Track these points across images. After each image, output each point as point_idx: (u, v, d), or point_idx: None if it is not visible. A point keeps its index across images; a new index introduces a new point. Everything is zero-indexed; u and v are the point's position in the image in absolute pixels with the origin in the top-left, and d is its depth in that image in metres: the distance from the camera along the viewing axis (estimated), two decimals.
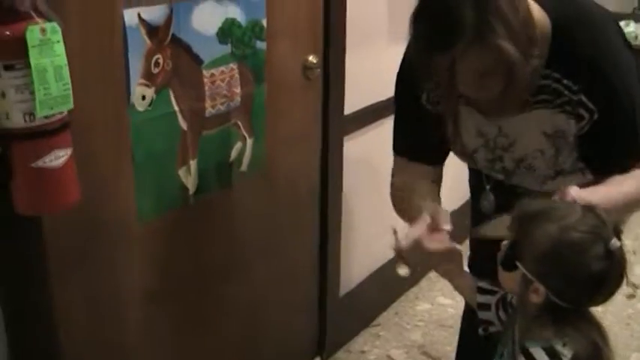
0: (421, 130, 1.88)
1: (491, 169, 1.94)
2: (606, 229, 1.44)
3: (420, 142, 1.93)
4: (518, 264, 1.50)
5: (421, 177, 1.95)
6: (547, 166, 1.83)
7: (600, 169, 1.75)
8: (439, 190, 2.00)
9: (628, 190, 1.70)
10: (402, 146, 1.99)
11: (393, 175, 2.02)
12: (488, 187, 2.04)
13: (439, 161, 1.99)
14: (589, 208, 1.47)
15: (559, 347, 1.45)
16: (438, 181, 2.00)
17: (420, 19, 1.54)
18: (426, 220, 1.69)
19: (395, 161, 2.02)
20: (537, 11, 1.62)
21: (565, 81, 1.66)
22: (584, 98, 1.67)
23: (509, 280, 1.56)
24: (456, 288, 1.80)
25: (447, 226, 1.70)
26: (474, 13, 1.44)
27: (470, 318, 2.34)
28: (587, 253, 1.43)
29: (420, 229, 1.69)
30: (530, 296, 1.49)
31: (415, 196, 1.89)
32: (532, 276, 1.47)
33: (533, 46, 1.54)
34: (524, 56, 1.49)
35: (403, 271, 1.78)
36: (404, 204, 1.94)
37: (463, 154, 1.95)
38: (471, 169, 2.17)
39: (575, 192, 1.51)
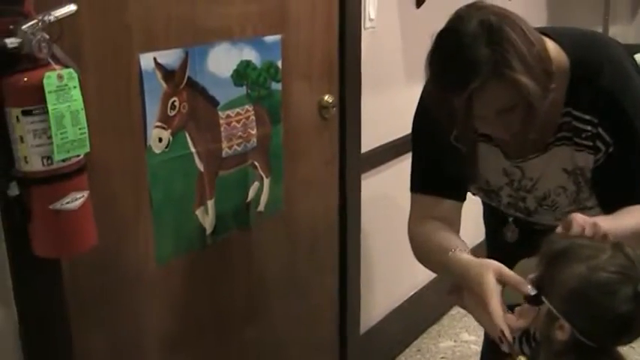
0: (442, 166, 1.85)
1: (514, 207, 1.93)
2: (635, 270, 1.43)
3: (441, 178, 1.89)
4: (544, 300, 1.50)
5: (440, 218, 1.89)
6: (569, 203, 1.82)
7: (614, 202, 1.75)
8: (458, 233, 1.92)
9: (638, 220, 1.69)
10: (423, 183, 1.95)
11: (410, 220, 1.96)
12: (511, 219, 2.04)
13: (459, 197, 1.95)
14: (619, 247, 1.46)
15: None
16: (457, 222, 1.94)
17: (434, 60, 1.55)
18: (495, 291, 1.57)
19: (412, 203, 1.97)
20: (554, 49, 1.63)
21: (586, 116, 1.67)
22: (602, 131, 1.67)
23: (528, 316, 1.56)
24: (478, 321, 1.79)
25: (532, 291, 1.53)
26: (488, 50, 1.45)
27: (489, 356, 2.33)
28: (616, 295, 1.40)
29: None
30: (556, 333, 1.48)
31: (438, 243, 1.81)
32: (558, 313, 1.46)
33: (550, 80, 1.54)
34: (542, 89, 1.50)
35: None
36: (424, 251, 1.88)
37: (487, 192, 1.94)
38: (486, 205, 2.17)
39: (580, 218, 1.48)
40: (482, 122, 1.60)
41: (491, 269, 1.60)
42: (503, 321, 1.53)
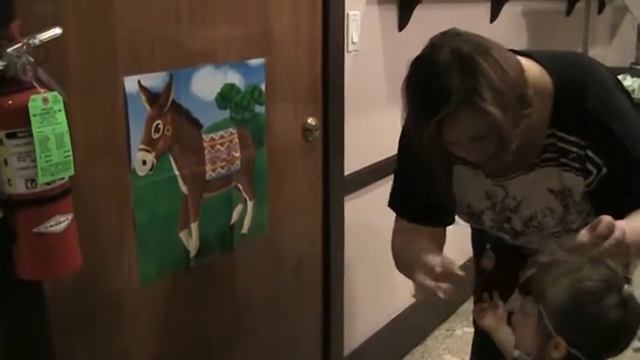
0: (425, 192, 1.87)
1: (500, 229, 1.94)
2: (617, 279, 1.47)
3: (423, 205, 1.92)
4: (536, 318, 1.52)
5: (423, 236, 1.93)
6: (556, 224, 1.84)
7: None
8: (441, 250, 1.95)
9: None
10: (401, 208, 1.99)
11: (394, 234, 2.02)
12: (488, 245, 2.05)
13: (442, 224, 1.98)
14: (597, 260, 1.49)
15: None
16: (440, 242, 1.98)
17: (408, 87, 1.58)
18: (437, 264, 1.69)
19: (396, 221, 2.02)
20: (537, 71, 1.65)
21: (572, 138, 1.68)
22: (590, 153, 1.68)
23: (527, 335, 1.58)
24: (498, 343, 1.79)
25: (460, 272, 1.70)
26: (459, 79, 1.47)
27: None
28: (603, 302, 1.45)
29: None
30: (551, 352, 1.50)
31: (417, 249, 1.85)
32: (552, 330, 1.49)
33: (526, 106, 1.56)
34: (512, 119, 1.51)
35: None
36: (404, 258, 1.91)
37: (470, 215, 1.95)
38: (473, 229, 2.18)
39: (607, 221, 1.46)
40: (456, 147, 1.62)
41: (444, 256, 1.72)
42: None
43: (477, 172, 1.81)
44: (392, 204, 2.01)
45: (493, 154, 1.58)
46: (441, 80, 1.48)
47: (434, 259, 1.71)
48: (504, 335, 1.80)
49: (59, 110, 1.47)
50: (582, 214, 1.80)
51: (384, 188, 2.97)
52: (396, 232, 2.01)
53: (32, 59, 1.43)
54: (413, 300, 3.38)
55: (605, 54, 5.43)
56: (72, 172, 1.51)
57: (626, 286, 1.46)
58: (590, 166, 1.70)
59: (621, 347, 1.51)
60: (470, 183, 1.85)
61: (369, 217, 2.93)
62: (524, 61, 1.62)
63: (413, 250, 1.86)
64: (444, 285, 1.70)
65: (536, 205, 1.82)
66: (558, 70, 1.69)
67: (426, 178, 1.81)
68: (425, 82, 1.53)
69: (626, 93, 1.81)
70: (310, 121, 2.44)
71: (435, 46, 1.53)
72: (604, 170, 1.69)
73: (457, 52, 1.48)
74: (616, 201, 1.73)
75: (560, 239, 1.80)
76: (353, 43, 2.63)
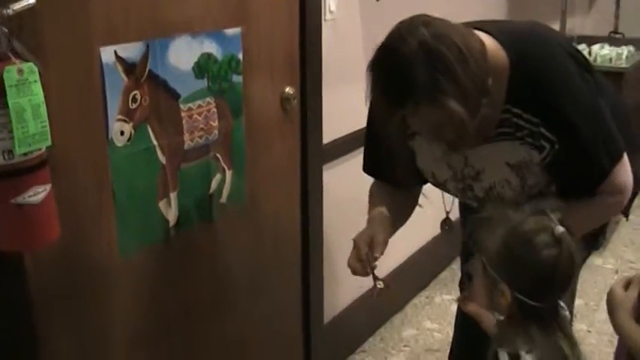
0: (391, 159, 1.92)
1: (464, 197, 1.99)
2: (551, 221, 1.52)
3: (390, 170, 1.98)
4: (482, 271, 1.57)
5: (390, 194, 2.05)
6: (515, 195, 1.87)
7: (569, 194, 1.81)
8: (407, 206, 2.11)
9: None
10: (374, 169, 2.09)
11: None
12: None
13: (408, 187, 2.07)
14: (539, 210, 1.54)
15: (523, 353, 1.51)
16: (408, 197, 2.09)
17: (374, 74, 1.60)
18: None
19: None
20: (495, 48, 1.68)
21: (525, 115, 1.72)
22: (543, 130, 1.72)
23: (479, 295, 1.63)
24: (485, 329, 1.81)
25: (377, 254, 1.89)
26: (425, 72, 1.50)
27: (460, 342, 2.38)
28: (535, 242, 1.51)
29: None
30: (499, 301, 1.56)
31: (375, 200, 2.06)
32: (494, 277, 1.54)
33: (485, 94, 1.60)
34: (473, 110, 1.56)
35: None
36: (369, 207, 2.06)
37: (436, 184, 2.01)
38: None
39: None
40: (418, 131, 1.73)
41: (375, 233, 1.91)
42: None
43: (438, 144, 1.84)
44: (364, 167, 2.11)
45: (451, 140, 1.66)
46: (406, 73, 1.52)
47: (364, 247, 1.91)
48: (490, 320, 1.84)
49: (35, 81, 1.46)
50: (540, 186, 1.84)
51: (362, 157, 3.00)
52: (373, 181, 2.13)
53: (6, 30, 1.42)
54: (392, 268, 3.43)
55: (583, 23, 5.45)
56: (49, 142, 1.50)
57: (558, 227, 1.51)
58: (543, 142, 1.74)
59: (562, 287, 1.57)
60: (431, 154, 1.89)
61: (348, 185, 2.94)
62: (485, 40, 1.65)
63: (374, 196, 2.08)
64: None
65: (495, 177, 1.86)
66: (514, 46, 1.71)
67: (388, 151, 1.87)
68: (390, 73, 1.57)
69: (584, 65, 1.83)
70: (288, 90, 2.43)
71: (402, 35, 1.55)
72: (556, 146, 1.73)
73: (424, 44, 1.51)
74: (571, 173, 1.79)
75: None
76: (330, 12, 2.63)
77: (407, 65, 1.51)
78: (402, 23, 1.58)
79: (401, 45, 1.53)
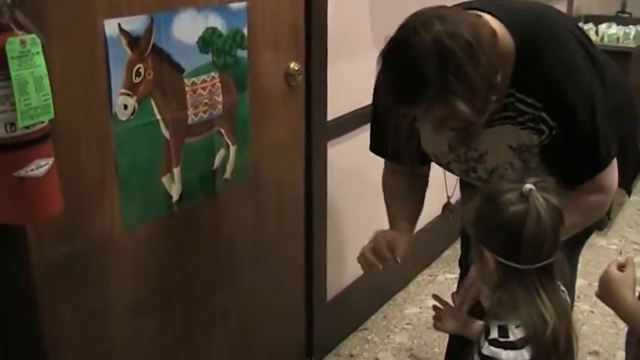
0: (396, 139, 1.94)
1: (468, 178, 2.00)
2: (520, 183, 1.53)
3: (395, 150, 1.99)
4: (472, 242, 1.61)
5: (401, 176, 2.10)
6: (517, 177, 1.85)
7: (562, 180, 1.80)
8: (421, 193, 2.15)
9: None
10: (379, 148, 2.10)
11: (384, 168, 2.18)
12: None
13: (415, 165, 2.06)
14: (521, 179, 1.55)
15: (512, 326, 1.53)
16: (425, 175, 2.13)
17: (385, 63, 1.59)
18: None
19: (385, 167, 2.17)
20: (500, 31, 1.66)
21: (529, 100, 1.71)
22: (544, 115, 1.71)
23: (478, 272, 1.66)
24: (471, 338, 1.81)
25: (398, 259, 1.99)
26: (436, 70, 1.49)
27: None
28: (501, 199, 1.53)
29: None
30: (486, 269, 1.57)
31: (392, 202, 2.14)
32: (476, 244, 1.57)
33: (494, 93, 1.61)
34: (482, 110, 1.58)
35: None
36: (385, 194, 2.18)
37: (439, 165, 2.03)
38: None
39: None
40: (423, 124, 1.76)
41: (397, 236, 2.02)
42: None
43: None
44: (370, 147, 2.13)
45: (458, 136, 1.71)
46: (417, 70, 1.51)
47: (382, 244, 1.99)
48: (471, 327, 1.84)
49: (37, 53, 1.45)
50: (542, 168, 1.82)
51: (367, 134, 2.99)
52: (384, 167, 2.17)
53: (8, 1, 1.41)
54: None
55: (590, 2, 5.41)
56: (52, 115, 1.50)
57: (526, 185, 1.51)
58: (543, 127, 1.73)
59: (534, 243, 1.53)
60: (434, 137, 1.89)
61: (353, 162, 2.94)
62: (493, 25, 1.64)
63: (389, 192, 2.16)
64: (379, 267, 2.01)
65: (498, 159, 1.86)
66: (520, 30, 1.70)
67: (394, 131, 1.90)
68: (401, 68, 1.56)
69: (589, 49, 1.82)
70: (293, 66, 2.42)
71: (416, 29, 1.52)
72: (554, 132, 1.73)
73: (438, 42, 1.49)
74: (565, 161, 1.78)
75: None
76: None
77: (419, 62, 1.50)
78: (417, 15, 1.57)
79: (415, 39, 1.51)
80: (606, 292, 1.68)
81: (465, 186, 2.20)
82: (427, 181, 2.16)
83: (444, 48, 1.49)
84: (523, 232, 1.50)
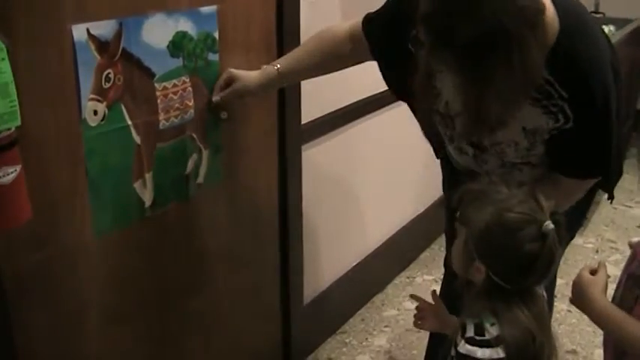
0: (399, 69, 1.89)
1: (466, 140, 1.94)
2: (542, 214, 1.52)
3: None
4: (464, 241, 1.58)
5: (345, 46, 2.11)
6: (516, 157, 1.87)
7: (559, 169, 1.82)
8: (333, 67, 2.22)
9: None
10: (369, 32, 2.06)
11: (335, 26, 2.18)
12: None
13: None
14: (531, 194, 1.54)
15: (487, 325, 1.53)
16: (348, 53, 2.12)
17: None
18: None
19: (353, 26, 2.11)
20: (551, 13, 1.62)
21: (557, 86, 1.69)
22: (566, 106, 1.71)
23: (457, 259, 1.65)
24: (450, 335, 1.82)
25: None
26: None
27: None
28: (520, 234, 1.51)
29: None
30: (474, 274, 1.57)
31: (306, 47, 2.21)
32: (474, 254, 1.55)
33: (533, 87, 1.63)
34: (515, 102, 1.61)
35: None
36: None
37: (444, 117, 1.93)
38: (444, 178, 2.23)
39: None
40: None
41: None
42: None
43: None
44: (364, 23, 2.09)
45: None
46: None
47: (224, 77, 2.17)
48: (451, 325, 1.85)
49: (3, 59, 1.45)
50: (539, 155, 1.84)
51: (343, 136, 3.00)
52: (339, 28, 2.17)
53: None
54: (374, 247, 3.44)
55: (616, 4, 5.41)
56: (18, 122, 1.48)
57: (547, 222, 1.50)
58: (560, 116, 1.73)
59: (538, 278, 1.57)
60: (450, 82, 1.82)
61: (328, 165, 2.94)
62: (546, 3, 1.60)
63: (318, 40, 2.19)
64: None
65: (506, 135, 1.83)
66: (565, 17, 1.66)
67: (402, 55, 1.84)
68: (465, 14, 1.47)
69: (612, 46, 1.82)
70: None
71: None
72: (568, 125, 1.73)
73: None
74: (570, 152, 1.80)
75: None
76: None
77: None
78: None
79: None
80: (577, 295, 1.71)
81: (451, 178, 2.17)
82: (346, 64, 2.20)
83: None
84: (532, 270, 1.52)
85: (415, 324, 2.01)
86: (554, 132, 1.76)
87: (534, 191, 1.57)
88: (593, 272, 1.71)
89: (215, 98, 2.18)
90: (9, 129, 1.47)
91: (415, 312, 2.02)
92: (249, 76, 2.18)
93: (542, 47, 1.57)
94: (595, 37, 1.74)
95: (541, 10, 1.50)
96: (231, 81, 2.17)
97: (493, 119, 1.65)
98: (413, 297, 2.03)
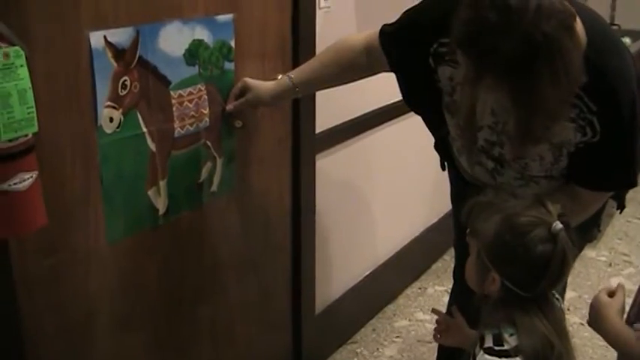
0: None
1: (488, 151, 1.91)
2: (550, 216, 1.52)
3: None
4: (477, 254, 1.58)
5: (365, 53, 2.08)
6: (540, 171, 1.86)
7: (581, 182, 1.81)
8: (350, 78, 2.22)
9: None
10: (388, 42, 2.03)
11: (352, 36, 2.17)
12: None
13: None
14: (539, 200, 1.54)
15: (506, 335, 1.53)
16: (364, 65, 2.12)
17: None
18: None
19: (370, 38, 2.09)
20: (579, 29, 1.59)
21: (586, 99, 1.68)
22: (595, 119, 1.70)
23: (471, 273, 1.65)
24: (468, 348, 1.81)
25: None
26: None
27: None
28: (530, 236, 1.51)
29: None
30: (489, 285, 1.56)
31: (322, 59, 2.18)
32: (487, 264, 1.55)
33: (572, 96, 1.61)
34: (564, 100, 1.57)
35: None
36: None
37: (468, 127, 1.86)
38: (452, 188, 2.22)
39: None
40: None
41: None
42: None
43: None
44: (381, 35, 2.06)
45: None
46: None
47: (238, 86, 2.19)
48: (470, 339, 1.84)
49: (21, 65, 1.45)
50: (564, 165, 1.83)
51: (356, 146, 2.99)
52: (355, 39, 2.15)
53: None
54: (386, 257, 3.44)
55: (631, 17, 5.40)
56: (35, 128, 1.49)
57: (556, 223, 1.50)
58: (588, 130, 1.72)
59: (552, 281, 1.56)
60: (496, 104, 1.79)
61: (342, 174, 2.94)
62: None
63: (334, 52, 2.17)
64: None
65: (535, 150, 1.81)
66: (592, 31, 1.65)
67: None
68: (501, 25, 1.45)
69: (633, 57, 1.81)
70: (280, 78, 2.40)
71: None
72: (597, 138, 1.72)
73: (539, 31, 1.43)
74: (591, 166, 1.79)
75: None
76: (325, 0, 2.61)
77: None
78: None
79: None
80: (593, 317, 1.70)
81: (460, 189, 2.16)
82: (361, 76, 2.19)
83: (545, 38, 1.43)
84: (546, 272, 1.52)
85: (435, 337, 2.01)
86: (580, 145, 1.75)
87: (541, 197, 1.57)
88: (612, 294, 1.70)
89: (229, 107, 2.19)
90: (26, 135, 1.48)
91: (430, 324, 2.01)
92: (263, 86, 2.18)
93: (579, 50, 1.54)
94: (622, 50, 1.74)
95: (573, 14, 1.49)
96: (245, 90, 2.18)
97: (540, 132, 1.64)
98: (434, 311, 2.02)
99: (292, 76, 2.17)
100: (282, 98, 2.23)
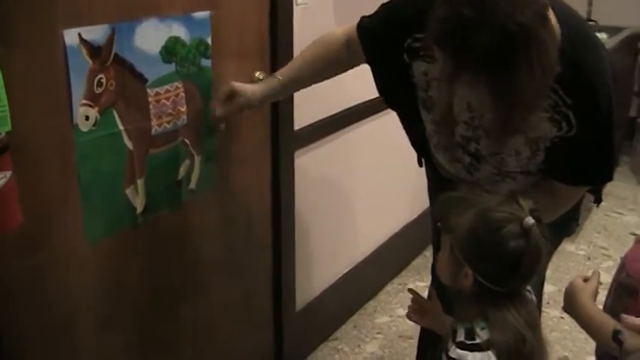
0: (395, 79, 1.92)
1: (464, 147, 1.90)
2: (523, 212, 1.53)
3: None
4: (449, 249, 1.60)
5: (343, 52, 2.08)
6: (516, 166, 1.86)
7: (558, 177, 1.81)
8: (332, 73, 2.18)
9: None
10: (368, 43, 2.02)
11: (334, 32, 2.16)
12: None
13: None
14: (512, 196, 1.55)
15: (478, 329, 1.53)
16: (343, 58, 2.11)
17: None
18: None
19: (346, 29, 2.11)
20: (553, 22, 1.59)
21: (561, 92, 1.68)
22: (570, 113, 1.70)
23: (444, 268, 1.65)
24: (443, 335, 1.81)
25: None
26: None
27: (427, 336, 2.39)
28: (503, 232, 1.51)
29: None
30: (462, 280, 1.57)
31: (306, 56, 2.15)
32: (460, 259, 1.54)
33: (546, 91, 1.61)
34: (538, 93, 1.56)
35: None
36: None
37: (445, 123, 1.87)
38: (429, 187, 2.21)
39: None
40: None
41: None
42: None
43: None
44: (359, 27, 2.06)
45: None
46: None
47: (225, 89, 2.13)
48: (445, 324, 1.84)
49: None
50: (541, 160, 1.83)
51: (337, 142, 2.99)
52: (336, 34, 2.14)
53: None
54: (366, 254, 3.44)
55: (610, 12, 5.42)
56: (8, 127, 1.47)
57: (527, 218, 1.51)
58: (564, 124, 1.72)
59: (525, 277, 1.57)
60: (463, 93, 1.77)
61: (321, 171, 2.93)
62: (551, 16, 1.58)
63: (317, 48, 2.15)
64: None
65: (510, 144, 1.81)
66: (567, 26, 1.64)
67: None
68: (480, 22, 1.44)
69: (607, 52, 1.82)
70: (258, 75, 2.39)
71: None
72: (573, 132, 1.72)
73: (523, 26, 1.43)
74: (572, 162, 1.79)
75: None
76: None
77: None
78: None
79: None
80: (567, 301, 1.71)
81: (437, 185, 2.16)
82: (345, 69, 2.18)
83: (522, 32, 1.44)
84: (519, 267, 1.52)
85: (408, 316, 2.00)
86: (556, 140, 1.75)
87: (513, 193, 1.58)
88: (586, 280, 1.72)
89: (218, 112, 2.15)
90: None
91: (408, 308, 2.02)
92: (251, 90, 2.13)
93: (554, 42, 1.55)
94: (597, 44, 1.74)
95: (546, 4, 1.48)
96: (233, 95, 2.12)
97: (517, 124, 1.64)
98: (410, 291, 2.01)
99: (280, 77, 2.13)
100: (272, 98, 2.21)
